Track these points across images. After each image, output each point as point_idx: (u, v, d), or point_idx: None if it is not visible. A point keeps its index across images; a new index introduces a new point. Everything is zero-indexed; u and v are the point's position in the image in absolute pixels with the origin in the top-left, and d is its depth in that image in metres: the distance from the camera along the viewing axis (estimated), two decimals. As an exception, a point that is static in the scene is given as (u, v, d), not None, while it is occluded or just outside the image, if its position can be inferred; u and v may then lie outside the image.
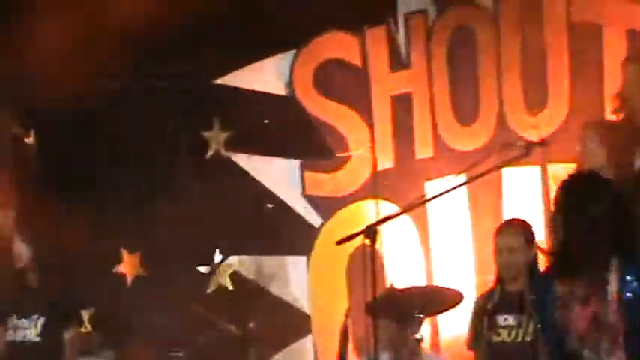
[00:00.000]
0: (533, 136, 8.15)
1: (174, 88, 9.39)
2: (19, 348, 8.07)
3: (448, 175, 8.65)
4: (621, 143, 7.57)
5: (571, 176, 5.79)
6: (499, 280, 7.09)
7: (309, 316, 9.08)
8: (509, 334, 6.83)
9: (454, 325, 7.91)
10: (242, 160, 9.26)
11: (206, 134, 9.32)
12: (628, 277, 5.34)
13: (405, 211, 7.90)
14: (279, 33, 8.94)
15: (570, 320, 5.34)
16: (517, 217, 7.55)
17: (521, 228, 7.24)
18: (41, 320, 8.07)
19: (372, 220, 7.18)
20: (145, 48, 9.00)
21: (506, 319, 6.84)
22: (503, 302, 6.93)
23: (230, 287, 9.00)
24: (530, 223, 7.46)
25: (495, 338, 6.89)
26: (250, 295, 9.01)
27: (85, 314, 8.57)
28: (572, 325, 5.39)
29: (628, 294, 5.29)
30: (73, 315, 8.17)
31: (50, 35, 8.84)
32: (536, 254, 7.08)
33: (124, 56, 8.93)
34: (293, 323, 9.05)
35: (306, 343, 9.00)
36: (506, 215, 8.13)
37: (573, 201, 5.62)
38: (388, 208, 8.56)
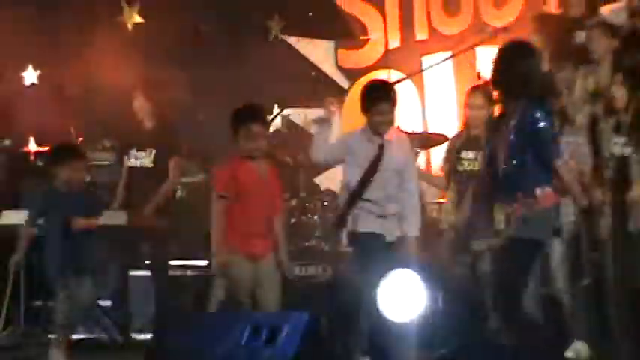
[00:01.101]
0: (498, 24, 9.88)
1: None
2: (139, 171, 9.12)
3: (438, 52, 10.46)
4: (555, 32, 8.96)
5: (509, 43, 6.96)
6: (466, 126, 8.08)
7: None
8: (469, 165, 7.77)
9: (439, 158, 9.07)
10: (293, 41, 11.05)
11: (268, 22, 10.93)
12: (533, 115, 6.46)
13: (408, 76, 9.78)
14: None
15: (495, 143, 6.57)
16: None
17: (484, 91, 8.04)
18: (153, 152, 9.14)
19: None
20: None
21: (468, 154, 7.81)
22: (468, 142, 7.85)
23: (285, 130, 10.81)
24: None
25: (460, 168, 7.83)
26: (298, 135, 10.61)
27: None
28: (495, 146, 6.60)
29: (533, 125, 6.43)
30: (175, 148, 9.14)
31: None
32: (493, 109, 7.77)
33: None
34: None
35: (337, 171, 9.71)
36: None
37: (507, 56, 6.69)
38: (396, 74, 10.12)
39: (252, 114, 7.54)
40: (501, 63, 6.66)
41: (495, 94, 6.87)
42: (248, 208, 7.29)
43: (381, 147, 7.17)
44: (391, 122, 7.35)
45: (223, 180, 7.54)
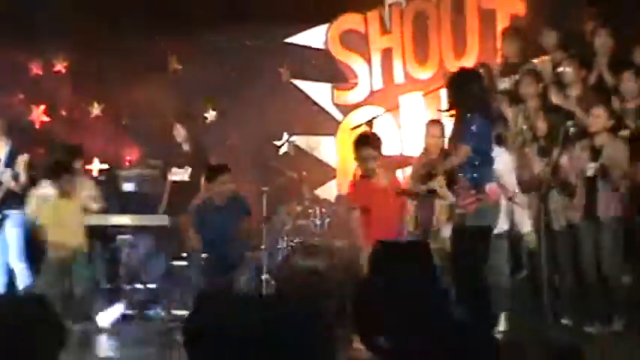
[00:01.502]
0: None
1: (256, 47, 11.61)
2: (178, 184, 10.31)
3: (412, 92, 11.29)
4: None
5: (460, 68, 7.89)
6: (425, 152, 8.83)
7: (334, 169, 11.60)
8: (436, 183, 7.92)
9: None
10: (300, 83, 11.87)
11: (281, 69, 11.74)
12: (473, 127, 7.12)
13: (388, 111, 10.79)
14: (321, 12, 11.45)
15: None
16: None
17: (441, 124, 8.91)
18: (190, 169, 10.36)
19: (369, 117, 9.69)
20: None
21: (431, 178, 8.07)
22: (427, 165, 8.44)
23: (292, 152, 11.61)
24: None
25: (422, 185, 8.27)
26: (302, 156, 11.44)
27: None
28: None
29: (472, 129, 7.13)
30: (205, 167, 9.88)
31: None
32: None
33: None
34: (326, 172, 11.58)
35: (333, 184, 11.53)
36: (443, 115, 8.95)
37: (460, 82, 7.42)
38: (379, 110, 10.88)
39: (364, 141, 8.32)
40: (454, 85, 7.50)
41: (451, 111, 7.46)
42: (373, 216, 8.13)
43: None
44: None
45: (352, 195, 8.48)
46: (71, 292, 9.17)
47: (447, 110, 7.43)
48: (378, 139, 8.32)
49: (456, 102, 7.35)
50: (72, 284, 9.18)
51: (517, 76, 9.58)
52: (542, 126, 8.76)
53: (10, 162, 9.88)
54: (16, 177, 9.78)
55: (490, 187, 7.31)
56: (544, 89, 9.28)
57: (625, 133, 8.66)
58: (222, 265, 9.22)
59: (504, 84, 9.78)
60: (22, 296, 8.40)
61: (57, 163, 9.47)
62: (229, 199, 9.23)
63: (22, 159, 9.85)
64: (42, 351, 4.74)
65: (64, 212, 9.25)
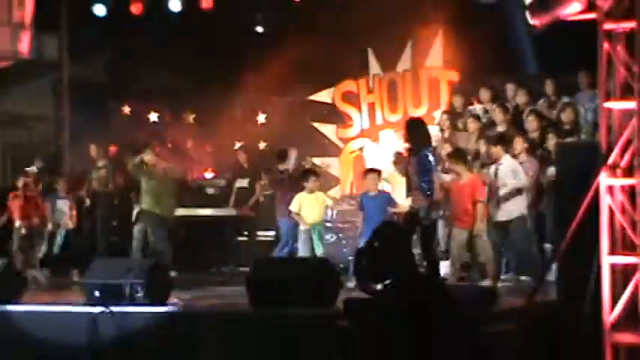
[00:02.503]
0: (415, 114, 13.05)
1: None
2: (241, 189, 13.22)
3: (387, 129, 14.17)
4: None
5: (410, 117, 10.66)
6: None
7: (338, 178, 14.41)
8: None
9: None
10: (317, 125, 14.71)
11: (303, 114, 14.44)
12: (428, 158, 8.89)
13: (373, 141, 14.02)
14: (329, 80, 14.50)
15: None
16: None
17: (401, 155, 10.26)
18: (248, 179, 13.41)
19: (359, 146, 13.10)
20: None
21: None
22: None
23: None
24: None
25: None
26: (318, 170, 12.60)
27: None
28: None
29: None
30: (257, 177, 12.60)
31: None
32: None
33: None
34: (333, 180, 14.26)
35: (338, 188, 14.27)
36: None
37: (410, 124, 9.30)
38: (367, 141, 14.09)
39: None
40: (408, 127, 9.65)
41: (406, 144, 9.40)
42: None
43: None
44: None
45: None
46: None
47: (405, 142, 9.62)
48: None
49: (409, 138, 9.52)
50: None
51: (465, 119, 12.23)
52: (482, 149, 11.44)
53: None
54: None
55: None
56: (483, 126, 12.02)
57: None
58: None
59: (462, 120, 12.26)
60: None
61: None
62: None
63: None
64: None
65: None
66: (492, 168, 10.62)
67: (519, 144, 10.86)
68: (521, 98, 12.30)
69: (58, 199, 13.00)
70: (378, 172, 10.89)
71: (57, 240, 12.84)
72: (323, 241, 11.22)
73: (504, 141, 10.85)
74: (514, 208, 10.54)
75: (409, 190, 9.61)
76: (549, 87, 12.39)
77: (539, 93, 12.39)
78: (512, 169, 10.52)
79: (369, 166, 12.78)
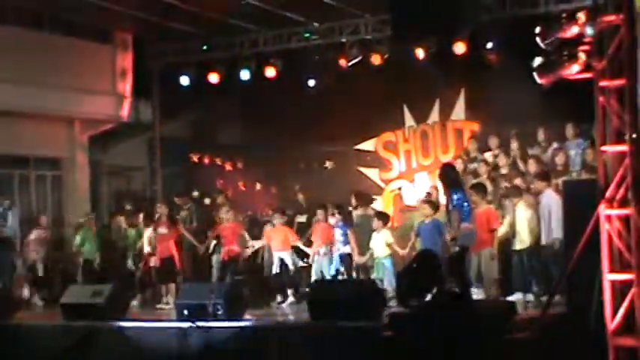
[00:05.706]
0: (444, 160, 12.92)
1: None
2: (301, 224, 13.00)
3: (421, 171, 14.13)
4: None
5: (443, 164, 9.84)
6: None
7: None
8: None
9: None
10: (363, 169, 14.52)
11: (349, 160, 14.62)
12: (455, 197, 8.83)
13: (409, 182, 13.91)
14: (372, 132, 14.40)
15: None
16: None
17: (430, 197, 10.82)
18: (306, 215, 13.48)
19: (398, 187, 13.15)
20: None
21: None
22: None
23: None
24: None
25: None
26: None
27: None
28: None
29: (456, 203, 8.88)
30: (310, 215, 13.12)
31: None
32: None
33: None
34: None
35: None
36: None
37: (443, 170, 9.18)
38: (404, 182, 14.04)
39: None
40: (442, 172, 9.55)
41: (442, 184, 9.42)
42: None
43: None
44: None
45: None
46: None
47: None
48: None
49: (443, 180, 9.52)
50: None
51: (475, 164, 12.32)
52: (489, 186, 11.46)
53: None
54: None
55: (464, 224, 9.23)
56: (491, 168, 12.07)
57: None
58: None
59: (473, 165, 12.39)
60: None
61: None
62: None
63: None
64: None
65: None
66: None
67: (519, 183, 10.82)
68: (514, 144, 12.38)
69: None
70: (430, 202, 10.75)
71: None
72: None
73: (480, 189, 10.79)
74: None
75: (448, 221, 9.51)
76: (541, 134, 12.34)
77: (533, 139, 12.41)
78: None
79: (406, 202, 13.43)
